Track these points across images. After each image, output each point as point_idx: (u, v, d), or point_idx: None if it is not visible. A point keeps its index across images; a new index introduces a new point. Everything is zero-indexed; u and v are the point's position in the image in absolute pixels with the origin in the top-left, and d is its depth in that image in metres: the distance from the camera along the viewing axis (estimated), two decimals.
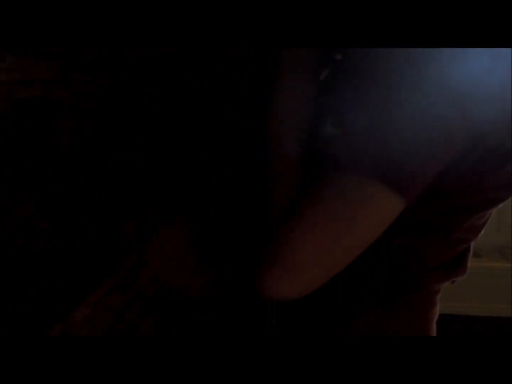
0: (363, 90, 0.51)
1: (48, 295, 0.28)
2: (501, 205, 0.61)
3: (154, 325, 0.48)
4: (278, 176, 0.58)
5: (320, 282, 0.54)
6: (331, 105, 0.55)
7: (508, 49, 0.52)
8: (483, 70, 0.50)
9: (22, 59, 0.26)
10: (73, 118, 0.30)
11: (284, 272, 0.53)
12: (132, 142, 0.41)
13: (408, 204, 0.51)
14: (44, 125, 0.27)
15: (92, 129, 0.32)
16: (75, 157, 0.30)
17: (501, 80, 0.51)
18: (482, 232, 0.64)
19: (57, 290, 0.29)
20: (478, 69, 0.49)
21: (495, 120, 0.51)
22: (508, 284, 2.06)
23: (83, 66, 0.33)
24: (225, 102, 0.59)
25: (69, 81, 0.31)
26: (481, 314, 2.13)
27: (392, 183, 0.49)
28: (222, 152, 0.64)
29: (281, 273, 0.53)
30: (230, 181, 0.67)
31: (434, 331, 0.68)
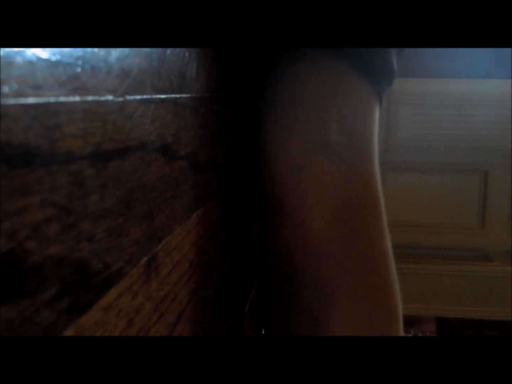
0: None
1: (58, 300, 0.28)
2: None
3: (165, 330, 0.48)
4: None
5: None
6: None
7: None
8: None
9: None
10: (81, 122, 0.30)
11: None
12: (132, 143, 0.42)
13: None
14: (54, 129, 0.27)
15: (97, 133, 0.33)
16: (84, 160, 0.31)
17: None
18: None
19: (67, 294, 0.29)
20: None
21: None
22: None
23: None
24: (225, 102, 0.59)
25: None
26: (494, 318, 2.10)
27: None
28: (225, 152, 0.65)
29: None
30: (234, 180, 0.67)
31: None
